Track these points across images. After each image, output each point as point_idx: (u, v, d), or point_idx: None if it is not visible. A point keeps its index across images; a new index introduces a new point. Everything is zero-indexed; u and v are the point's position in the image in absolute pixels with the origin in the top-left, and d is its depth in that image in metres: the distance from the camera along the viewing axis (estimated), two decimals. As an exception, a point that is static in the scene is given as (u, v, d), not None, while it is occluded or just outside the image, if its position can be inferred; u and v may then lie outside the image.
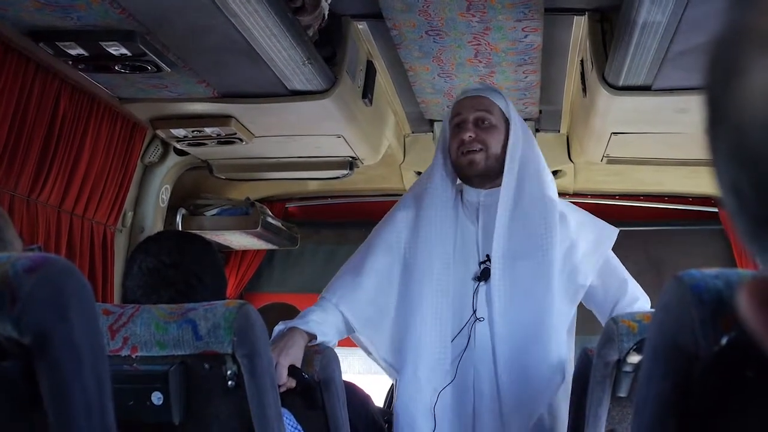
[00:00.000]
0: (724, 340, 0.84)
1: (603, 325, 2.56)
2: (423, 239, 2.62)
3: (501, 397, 2.53)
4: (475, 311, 2.58)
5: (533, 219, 2.60)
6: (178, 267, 2.02)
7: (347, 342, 2.75)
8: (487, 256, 2.61)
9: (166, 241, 2.10)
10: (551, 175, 2.73)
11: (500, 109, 2.67)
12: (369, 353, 2.70)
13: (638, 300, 2.64)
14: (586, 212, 2.80)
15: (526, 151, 2.66)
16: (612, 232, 2.73)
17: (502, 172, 2.63)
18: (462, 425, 2.56)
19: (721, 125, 0.44)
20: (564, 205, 2.72)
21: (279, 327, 2.43)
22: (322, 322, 2.50)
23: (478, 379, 2.56)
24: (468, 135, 2.61)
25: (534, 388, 2.53)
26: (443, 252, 2.61)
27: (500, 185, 2.63)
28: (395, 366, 2.63)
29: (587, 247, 2.67)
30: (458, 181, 2.72)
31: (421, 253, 2.62)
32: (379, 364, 2.70)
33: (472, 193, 2.68)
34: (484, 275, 2.60)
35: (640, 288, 2.70)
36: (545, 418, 2.56)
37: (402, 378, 2.59)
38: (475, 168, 2.62)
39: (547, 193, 2.65)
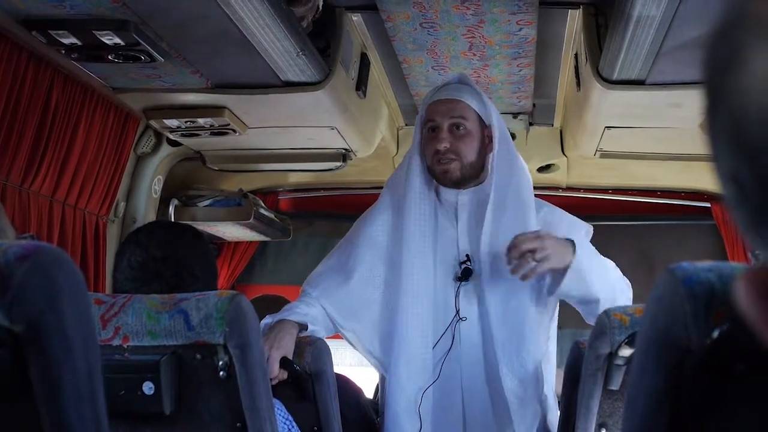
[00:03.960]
0: (715, 333, 0.84)
1: (581, 312, 2.57)
2: (404, 244, 2.60)
3: (499, 397, 2.53)
4: (458, 311, 2.58)
5: (514, 218, 2.59)
6: (168, 260, 2.01)
7: (338, 334, 2.75)
8: (467, 256, 2.62)
9: (156, 233, 2.09)
10: (528, 173, 2.71)
11: (475, 111, 2.63)
12: (358, 349, 2.71)
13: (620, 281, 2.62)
14: (557, 207, 2.79)
15: (505, 152, 2.65)
16: (582, 225, 2.72)
17: (478, 174, 2.64)
18: (450, 425, 2.56)
19: (720, 114, 0.44)
20: (537, 203, 2.70)
21: (266, 320, 2.43)
22: (308, 313, 2.52)
23: (466, 378, 2.56)
24: (443, 146, 2.57)
25: (532, 385, 2.53)
26: (424, 256, 2.59)
27: (477, 185, 2.64)
28: (382, 361, 2.63)
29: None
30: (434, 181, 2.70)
31: (402, 257, 2.60)
32: (366, 358, 2.70)
33: (449, 194, 2.67)
34: (465, 275, 2.60)
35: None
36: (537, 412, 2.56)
37: (388, 377, 2.59)
38: (449, 177, 2.61)
39: (525, 192, 2.64)
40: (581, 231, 2.69)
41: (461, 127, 2.59)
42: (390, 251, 2.66)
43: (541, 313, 2.61)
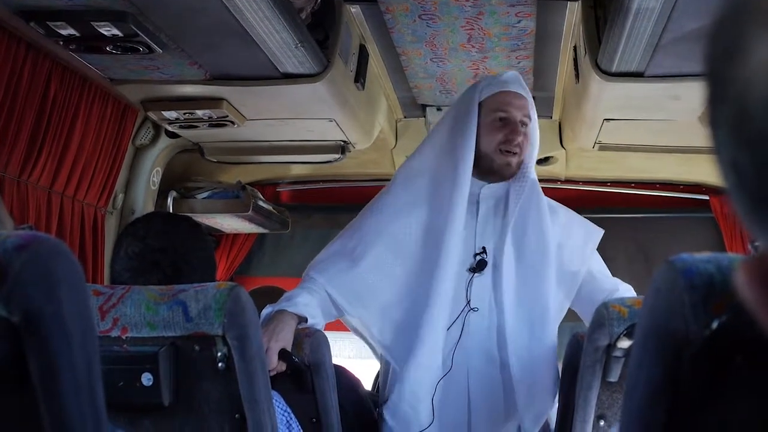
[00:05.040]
0: (714, 325, 0.84)
1: (584, 320, 2.61)
2: (446, 234, 2.56)
3: (507, 388, 2.55)
4: (468, 301, 2.58)
5: (537, 216, 2.63)
6: (165, 251, 2.01)
7: (338, 326, 2.75)
8: (483, 248, 2.62)
9: (154, 223, 2.09)
10: None
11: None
12: (362, 336, 2.70)
13: (629, 291, 2.65)
14: (570, 209, 2.82)
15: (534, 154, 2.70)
16: (598, 232, 2.75)
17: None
18: (455, 414, 2.57)
19: (722, 102, 0.44)
20: (549, 202, 2.73)
21: (266, 310, 2.42)
22: (309, 303, 2.47)
23: (473, 368, 2.57)
24: (519, 138, 2.58)
25: (540, 377, 2.55)
26: (450, 245, 2.56)
27: (500, 181, 2.64)
28: (390, 349, 2.61)
29: (577, 242, 2.71)
30: None
31: (442, 245, 2.56)
32: (372, 347, 2.69)
33: (473, 185, 2.62)
34: (479, 266, 2.61)
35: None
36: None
37: (400, 366, 2.56)
38: (508, 171, 2.61)
39: (538, 189, 2.68)
40: (596, 238, 2.74)
41: (525, 126, 2.61)
42: (409, 240, 2.63)
43: (554, 307, 2.62)
